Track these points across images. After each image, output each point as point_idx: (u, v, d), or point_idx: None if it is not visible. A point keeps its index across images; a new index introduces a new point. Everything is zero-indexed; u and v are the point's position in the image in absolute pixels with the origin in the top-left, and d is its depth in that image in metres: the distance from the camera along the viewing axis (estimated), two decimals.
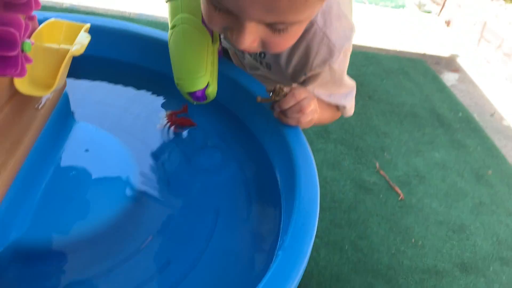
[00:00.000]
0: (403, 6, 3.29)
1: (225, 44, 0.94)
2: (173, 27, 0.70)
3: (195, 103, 0.72)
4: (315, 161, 0.66)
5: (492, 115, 2.21)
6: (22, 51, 0.47)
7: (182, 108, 0.82)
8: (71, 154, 0.66)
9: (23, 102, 0.58)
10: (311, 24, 0.69)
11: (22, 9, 0.47)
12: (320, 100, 0.81)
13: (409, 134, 1.90)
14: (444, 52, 2.72)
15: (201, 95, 0.69)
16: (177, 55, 0.69)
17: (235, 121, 0.81)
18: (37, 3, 0.49)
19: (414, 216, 1.51)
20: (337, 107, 0.86)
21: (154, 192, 0.65)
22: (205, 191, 0.69)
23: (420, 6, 3.35)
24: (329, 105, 0.84)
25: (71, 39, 0.63)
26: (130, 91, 0.84)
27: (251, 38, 0.56)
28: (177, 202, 0.66)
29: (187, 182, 0.69)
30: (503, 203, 1.67)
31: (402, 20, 3.06)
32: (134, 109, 0.79)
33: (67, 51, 0.58)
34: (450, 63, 2.61)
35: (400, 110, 2.05)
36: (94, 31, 0.68)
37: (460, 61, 2.66)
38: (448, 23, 3.08)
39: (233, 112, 0.82)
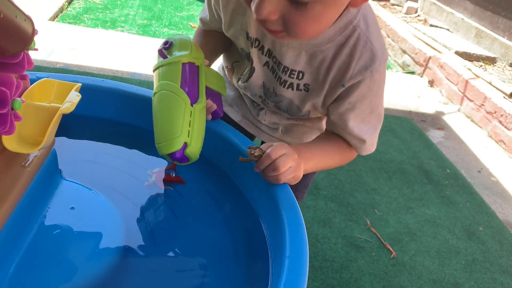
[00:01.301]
0: (388, 67, 3.42)
1: (235, 115, 0.95)
2: (154, 94, 0.71)
3: (181, 164, 0.71)
4: (305, 218, 0.66)
5: (479, 171, 2.23)
6: (12, 109, 0.48)
7: (171, 165, 0.82)
8: (56, 212, 0.64)
9: (10, 159, 0.58)
10: (354, 29, 0.68)
11: (14, 69, 0.49)
12: (323, 148, 0.79)
13: (398, 190, 1.91)
14: (429, 110, 2.79)
15: (180, 156, 0.69)
16: (155, 119, 0.70)
17: (223, 178, 0.81)
18: (29, 62, 0.51)
19: (407, 275, 1.48)
20: (349, 147, 0.81)
21: (140, 251, 0.64)
22: (193, 248, 0.67)
23: (404, 67, 3.48)
24: (337, 150, 0.81)
25: (62, 98, 0.64)
26: (118, 148, 0.84)
27: (270, 7, 0.55)
28: (164, 260, 0.64)
29: (174, 240, 0.68)
30: (496, 260, 1.64)
31: (388, 80, 3.16)
32: (122, 167, 0.79)
33: (57, 109, 0.59)
34: (435, 121, 2.67)
35: (389, 166, 2.07)
36: (83, 89, 0.69)
37: (445, 118, 2.73)
38: (431, 82, 3.19)
39: (222, 169, 0.82)
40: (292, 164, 0.68)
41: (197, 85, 0.73)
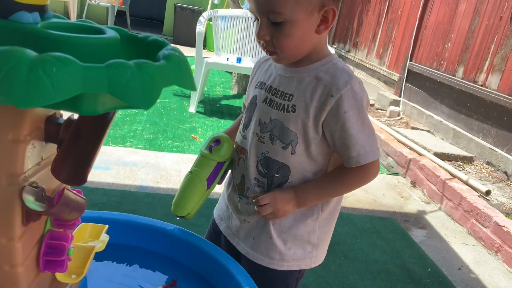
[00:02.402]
0: None
1: (222, 227, 1.22)
2: (190, 172, 1.12)
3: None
4: None
5: (459, 268, 2.39)
6: (67, 255, 0.72)
7: (172, 282, 1.04)
8: None
9: (58, 286, 0.81)
10: (333, 64, 1.02)
11: (69, 227, 0.74)
12: (318, 182, 1.05)
13: None
14: (412, 210, 3.02)
15: (180, 218, 1.13)
16: (181, 188, 1.12)
17: None
18: (79, 220, 0.76)
19: None
20: (351, 170, 1.02)
21: None
22: None
23: (388, 168, 3.77)
24: (337, 177, 1.05)
25: (93, 236, 0.88)
26: (131, 269, 1.07)
27: (263, 31, 0.96)
28: None
29: None
30: None
31: (374, 182, 3.43)
32: (133, 285, 1.01)
33: (93, 248, 0.83)
34: (418, 220, 2.88)
35: (373, 267, 2.24)
36: (103, 221, 0.94)
37: (427, 217, 2.94)
38: (414, 183, 3.45)
39: (212, 284, 1.04)
40: (270, 202, 1.03)
41: (217, 175, 1.12)
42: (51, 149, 0.70)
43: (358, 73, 6.57)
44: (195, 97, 4.38)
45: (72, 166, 0.66)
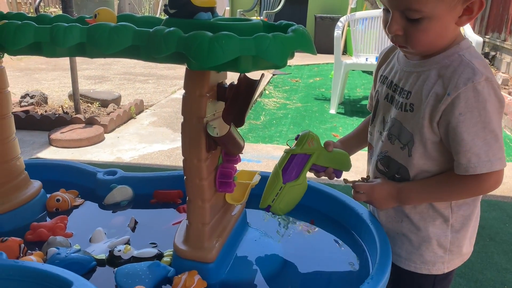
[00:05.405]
0: None
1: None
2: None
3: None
4: None
5: None
6: (233, 180, 1.04)
7: (310, 221, 1.29)
8: (245, 241, 1.16)
9: (228, 207, 1.13)
10: (459, 57, 0.89)
11: (234, 162, 1.06)
12: (425, 182, 0.96)
13: None
14: None
15: (266, 210, 1.08)
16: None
17: (344, 229, 1.24)
18: (240, 159, 1.07)
19: None
20: (464, 177, 0.89)
21: (292, 263, 1.10)
22: (319, 264, 1.11)
23: None
24: (445, 181, 0.94)
25: (249, 177, 1.20)
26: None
27: (396, 25, 0.88)
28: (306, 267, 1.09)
29: (314, 256, 1.12)
30: None
31: None
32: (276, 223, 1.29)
33: (248, 184, 1.14)
34: None
35: None
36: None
37: None
38: None
39: (342, 224, 1.26)
40: (366, 192, 1.01)
41: (299, 170, 1.07)
42: (220, 107, 1.02)
43: None
44: (335, 99, 4.60)
45: (234, 114, 0.97)
